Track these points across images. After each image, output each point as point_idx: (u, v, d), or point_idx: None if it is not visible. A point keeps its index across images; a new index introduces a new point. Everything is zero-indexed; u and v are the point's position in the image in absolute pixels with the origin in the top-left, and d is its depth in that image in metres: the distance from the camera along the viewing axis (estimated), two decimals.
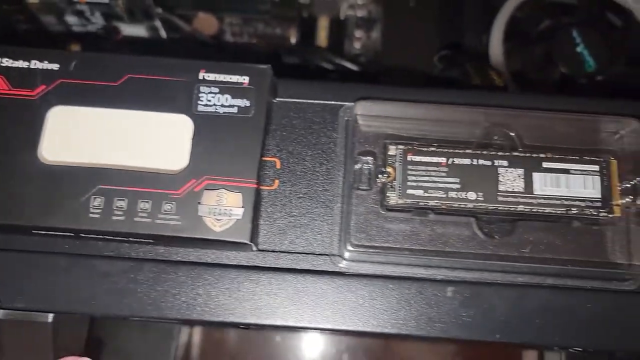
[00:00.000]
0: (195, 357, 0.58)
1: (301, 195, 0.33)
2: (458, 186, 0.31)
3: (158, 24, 0.56)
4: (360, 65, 0.60)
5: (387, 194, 0.31)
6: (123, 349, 0.53)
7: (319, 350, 0.58)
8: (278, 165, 0.33)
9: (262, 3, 0.61)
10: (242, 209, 0.30)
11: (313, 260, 0.32)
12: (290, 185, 0.33)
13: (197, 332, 0.59)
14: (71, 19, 0.55)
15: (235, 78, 0.32)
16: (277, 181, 0.33)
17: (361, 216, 0.32)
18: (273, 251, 0.32)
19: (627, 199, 0.31)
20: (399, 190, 0.31)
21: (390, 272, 0.31)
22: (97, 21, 0.56)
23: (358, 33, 0.62)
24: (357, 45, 0.62)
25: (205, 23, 0.61)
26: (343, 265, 0.31)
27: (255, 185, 0.30)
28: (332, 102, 0.34)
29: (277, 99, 0.34)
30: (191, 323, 0.32)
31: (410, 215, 0.31)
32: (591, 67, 0.56)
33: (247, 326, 0.32)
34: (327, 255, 0.32)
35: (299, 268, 0.32)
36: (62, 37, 0.56)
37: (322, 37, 0.62)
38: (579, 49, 0.56)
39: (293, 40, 0.61)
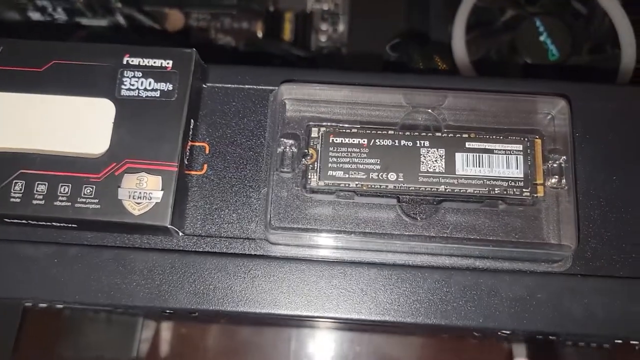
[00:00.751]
0: (160, 352, 0.58)
1: (229, 180, 0.33)
2: (379, 167, 0.30)
3: (121, 19, 0.56)
4: (324, 58, 0.60)
5: (309, 176, 0.31)
6: (84, 343, 0.53)
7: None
8: (207, 150, 0.33)
9: None
10: (162, 192, 0.30)
11: (238, 244, 0.32)
12: (218, 170, 0.33)
13: (163, 327, 0.59)
14: (34, 15, 0.56)
15: (159, 62, 0.32)
16: (205, 166, 0.33)
17: (285, 200, 0.31)
18: (199, 236, 0.32)
19: (553, 179, 0.31)
20: (320, 172, 0.30)
21: (314, 255, 0.31)
22: (60, 17, 0.56)
23: (324, 26, 0.62)
24: (322, 38, 0.62)
25: (171, 19, 0.61)
26: (267, 249, 0.31)
27: (175, 169, 0.30)
28: (262, 87, 0.34)
29: (208, 84, 0.34)
30: (115, 308, 0.32)
31: (334, 197, 0.31)
32: (554, 56, 0.55)
33: (173, 311, 0.32)
34: (251, 239, 0.32)
35: (223, 252, 0.31)
36: (25, 34, 0.56)
37: (287, 30, 0.62)
38: (542, 38, 0.56)
39: (260, 34, 0.61)
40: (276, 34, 0.62)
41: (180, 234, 0.32)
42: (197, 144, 0.33)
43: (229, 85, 0.34)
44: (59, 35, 0.56)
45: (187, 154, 0.32)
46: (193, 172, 0.33)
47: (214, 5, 0.61)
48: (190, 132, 0.32)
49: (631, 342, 0.30)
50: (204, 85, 0.34)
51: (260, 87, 0.34)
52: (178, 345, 0.58)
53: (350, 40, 0.61)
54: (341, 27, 0.62)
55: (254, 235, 0.32)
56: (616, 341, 0.30)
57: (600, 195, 0.32)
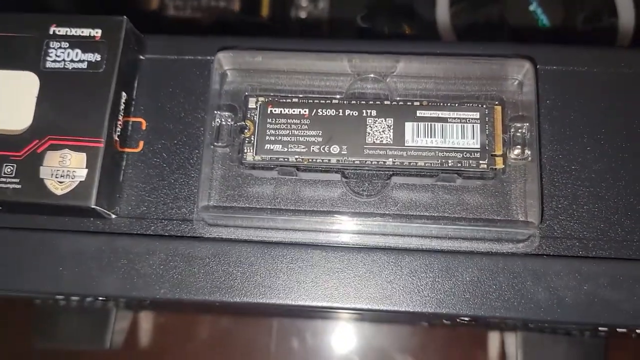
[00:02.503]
0: (135, 342, 0.57)
1: (166, 158, 0.30)
2: (321, 139, 0.28)
3: None
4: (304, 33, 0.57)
5: (245, 151, 0.28)
6: (57, 334, 0.52)
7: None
8: (144, 126, 0.31)
9: None
10: (86, 170, 0.28)
11: (173, 226, 0.29)
12: (156, 147, 0.31)
13: (137, 318, 0.57)
14: None
15: (87, 32, 0.30)
16: (142, 143, 0.31)
17: (222, 177, 0.29)
18: (133, 217, 0.30)
19: (516, 150, 0.28)
20: (257, 146, 0.28)
21: (254, 236, 0.29)
22: None
23: (304, 2, 0.59)
24: (302, 14, 0.59)
25: None
26: (203, 231, 0.29)
27: (101, 145, 0.28)
28: (203, 57, 0.32)
29: (147, 56, 0.32)
30: (39, 294, 0.30)
31: (275, 174, 0.28)
32: (545, 25, 0.52)
33: (106, 298, 0.30)
34: (188, 220, 0.29)
35: (157, 234, 0.29)
36: None
37: (265, 6, 0.59)
38: (532, 7, 0.53)
39: (237, 9, 0.59)
40: (254, 11, 0.59)
41: (113, 215, 0.29)
42: (133, 119, 0.31)
43: (169, 57, 0.32)
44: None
45: (119, 129, 0.30)
46: (128, 150, 0.31)
47: None
48: (123, 107, 0.30)
49: (599, 329, 0.27)
50: (141, 57, 0.32)
51: (201, 57, 0.32)
52: (155, 335, 0.57)
53: (331, 16, 0.58)
54: (322, 4, 0.59)
55: (191, 217, 0.29)
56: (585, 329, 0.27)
57: (572, 168, 0.29)
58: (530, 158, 0.28)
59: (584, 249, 0.28)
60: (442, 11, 0.52)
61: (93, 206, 0.28)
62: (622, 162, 0.29)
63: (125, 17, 0.30)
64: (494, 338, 0.57)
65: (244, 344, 0.58)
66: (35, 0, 0.46)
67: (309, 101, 0.28)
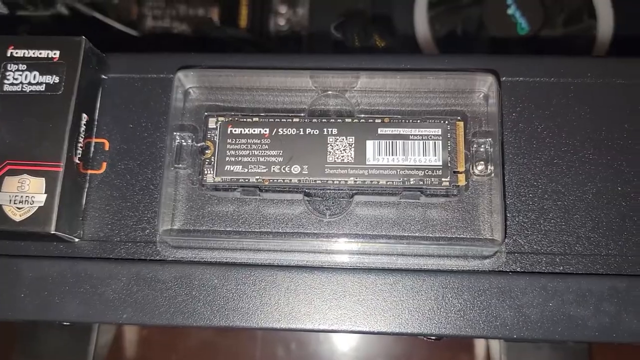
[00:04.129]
0: (119, 355, 0.56)
1: (128, 179, 0.30)
2: (281, 159, 0.27)
3: (63, 10, 0.54)
4: (283, 42, 0.57)
5: (205, 172, 0.28)
6: (38, 350, 0.51)
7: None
8: (107, 147, 0.31)
9: None
10: (45, 195, 0.27)
11: (136, 248, 0.29)
12: (119, 168, 0.30)
13: (121, 330, 0.57)
14: None
15: (45, 53, 0.29)
16: (104, 164, 0.30)
17: (184, 198, 0.28)
18: (97, 240, 0.29)
19: (480, 166, 0.27)
20: (217, 167, 0.27)
21: (217, 258, 0.28)
22: (2, 11, 0.54)
23: (283, 9, 0.59)
24: (281, 22, 0.58)
25: (124, 8, 0.59)
26: (166, 253, 0.29)
27: (59, 169, 0.28)
28: (165, 75, 0.31)
29: (109, 75, 0.31)
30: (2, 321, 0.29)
31: (238, 194, 0.28)
32: (524, 29, 0.52)
33: (72, 323, 0.29)
34: (151, 242, 0.29)
35: (119, 257, 0.29)
36: None
37: (243, 15, 0.58)
38: (510, 10, 0.52)
39: (216, 19, 0.58)
40: (233, 20, 0.58)
41: (76, 239, 0.29)
42: (95, 140, 0.31)
43: (131, 75, 0.31)
44: (1, 29, 0.53)
45: (80, 152, 0.29)
46: (91, 171, 0.30)
47: None
48: (84, 128, 0.30)
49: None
50: (103, 77, 0.31)
51: (164, 75, 0.31)
52: (139, 347, 0.56)
53: (311, 23, 0.58)
54: (301, 10, 0.58)
55: (154, 239, 0.29)
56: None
57: (538, 182, 0.29)
58: (493, 174, 0.27)
59: (551, 265, 0.28)
60: (421, 16, 0.52)
61: (53, 232, 0.27)
62: (588, 174, 0.29)
63: (83, 37, 0.30)
64: (480, 343, 0.57)
65: (229, 354, 0.58)
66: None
67: (270, 120, 0.28)
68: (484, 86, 0.29)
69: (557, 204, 0.28)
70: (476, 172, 0.27)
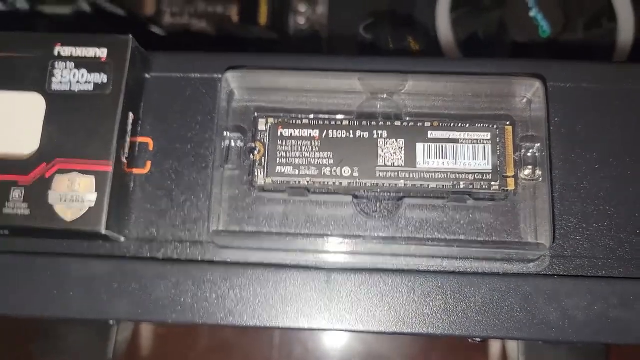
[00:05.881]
0: (137, 352, 0.56)
1: (173, 178, 0.30)
2: (332, 161, 0.27)
3: (84, 5, 0.54)
4: (303, 41, 0.57)
5: (255, 173, 0.28)
6: (58, 347, 0.51)
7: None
8: (151, 147, 0.31)
9: None
10: (96, 195, 0.28)
11: (184, 248, 0.29)
12: (164, 167, 0.30)
13: (139, 328, 0.57)
14: None
15: (93, 52, 0.29)
16: (149, 163, 0.30)
17: (232, 199, 0.29)
18: (143, 240, 0.29)
19: (527, 170, 0.28)
20: (268, 168, 0.28)
21: (265, 259, 0.28)
22: (22, 6, 0.53)
23: (302, 7, 0.59)
24: (301, 20, 0.58)
25: (142, 3, 0.59)
26: (214, 253, 0.29)
27: (109, 168, 0.28)
28: (210, 75, 0.31)
29: (152, 74, 0.32)
30: (50, 319, 0.30)
31: (285, 195, 0.28)
32: (545, 32, 0.52)
33: (117, 321, 0.29)
34: (198, 242, 0.29)
35: (167, 257, 0.29)
36: None
37: (263, 13, 0.58)
38: (532, 13, 0.53)
39: (235, 18, 0.58)
40: (252, 18, 0.58)
41: (122, 238, 0.29)
42: (140, 139, 0.31)
43: (175, 75, 0.31)
44: (21, 25, 0.53)
45: (127, 151, 0.29)
46: (136, 171, 0.30)
47: None
48: (130, 128, 0.30)
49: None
50: (146, 76, 0.32)
51: (208, 75, 0.31)
52: (156, 344, 0.56)
53: (331, 22, 0.58)
54: (321, 8, 0.58)
55: (201, 238, 0.29)
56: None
57: (581, 187, 0.29)
58: (540, 179, 0.28)
59: (594, 268, 0.28)
60: (443, 18, 0.52)
61: (104, 232, 0.27)
62: (631, 180, 0.29)
63: (130, 36, 0.30)
64: (495, 344, 0.58)
65: (246, 352, 0.58)
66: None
67: (320, 122, 0.28)
68: (529, 91, 0.29)
69: (599, 209, 0.29)
70: (523, 176, 0.28)
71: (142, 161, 0.31)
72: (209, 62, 0.31)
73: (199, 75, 0.31)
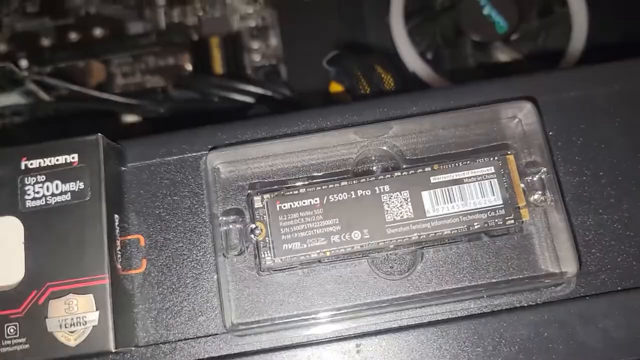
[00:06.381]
0: None
1: (173, 273, 0.28)
2: (339, 227, 0.26)
3: (33, 87, 0.51)
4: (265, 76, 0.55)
5: (262, 255, 0.26)
6: None
7: None
8: (142, 243, 0.29)
9: (145, 36, 0.56)
10: (97, 313, 0.26)
11: (199, 345, 0.27)
12: (160, 262, 0.29)
13: None
14: None
15: (62, 158, 0.27)
16: (144, 261, 0.29)
17: (240, 285, 0.27)
18: (154, 344, 0.28)
19: (536, 195, 0.27)
20: (274, 247, 0.26)
21: (287, 339, 0.27)
22: None
23: (255, 44, 0.57)
24: (256, 57, 0.57)
25: (90, 71, 0.56)
26: (233, 344, 0.27)
27: (106, 281, 0.26)
28: (189, 155, 0.30)
29: (128, 165, 0.30)
30: None
31: (299, 271, 0.27)
32: (503, 28, 0.52)
33: None
34: (213, 335, 0.27)
35: (185, 356, 0.27)
36: None
37: (217, 58, 0.57)
38: (485, 11, 0.52)
39: (189, 67, 0.57)
40: (206, 64, 0.57)
41: (133, 348, 0.27)
42: (129, 237, 0.29)
43: (152, 161, 0.30)
44: None
45: (119, 256, 0.27)
46: (132, 272, 0.28)
47: (132, 47, 0.56)
48: (117, 229, 0.28)
49: None
50: (122, 169, 0.30)
51: (187, 155, 0.30)
52: None
53: (286, 53, 0.56)
54: (274, 41, 0.57)
55: (215, 330, 0.27)
56: None
57: (590, 196, 0.28)
58: (552, 201, 0.27)
59: (621, 279, 0.27)
60: (399, 31, 0.52)
61: (114, 350, 0.25)
62: (638, 179, 0.28)
63: (99, 134, 0.28)
64: None
65: None
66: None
67: (318, 188, 0.27)
68: (520, 113, 0.28)
69: (612, 218, 0.28)
70: (532, 200, 0.27)
71: (136, 260, 0.29)
72: (184, 141, 0.30)
73: (177, 157, 0.30)
